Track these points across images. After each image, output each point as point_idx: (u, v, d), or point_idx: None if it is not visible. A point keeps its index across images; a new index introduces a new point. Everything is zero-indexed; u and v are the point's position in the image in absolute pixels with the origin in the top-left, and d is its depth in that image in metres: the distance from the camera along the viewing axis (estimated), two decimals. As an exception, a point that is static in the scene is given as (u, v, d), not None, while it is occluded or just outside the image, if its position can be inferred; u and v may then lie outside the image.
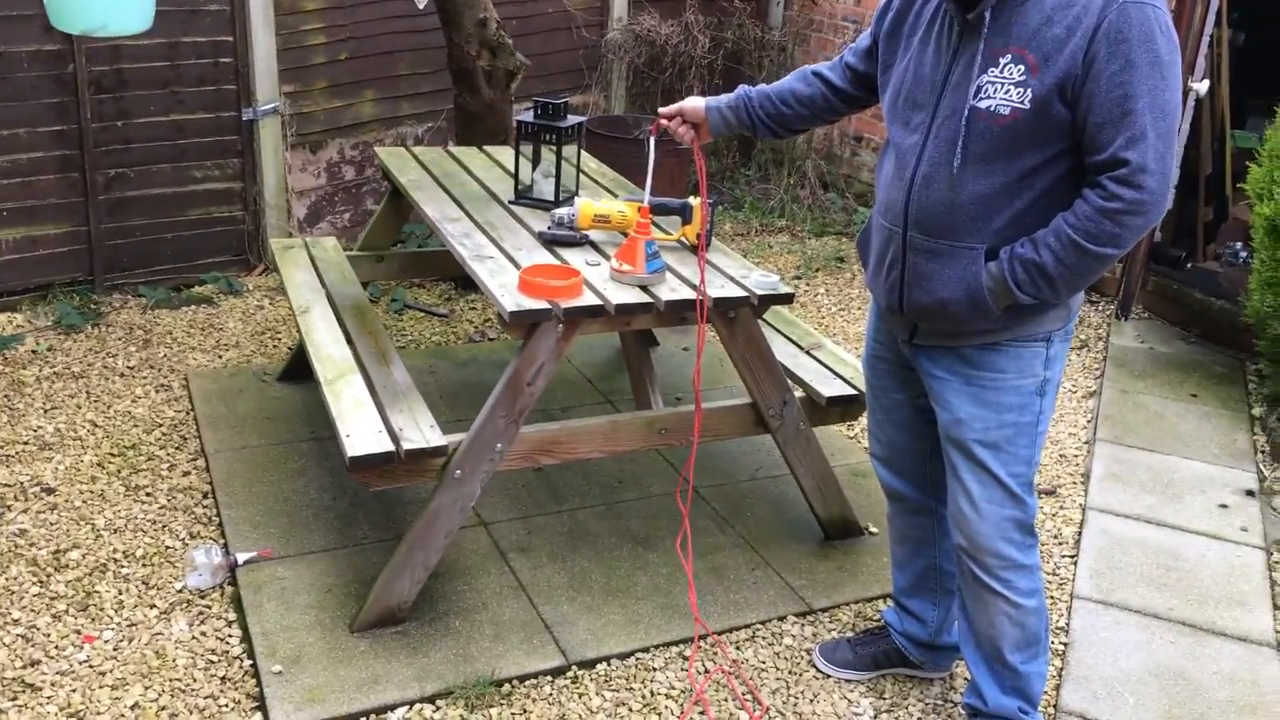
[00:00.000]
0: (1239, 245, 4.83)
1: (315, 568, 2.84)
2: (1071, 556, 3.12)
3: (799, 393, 3.02)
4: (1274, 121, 3.74)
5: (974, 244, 2.00)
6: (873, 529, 3.19)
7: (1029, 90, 1.90)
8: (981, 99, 1.94)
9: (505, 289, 2.59)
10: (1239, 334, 4.29)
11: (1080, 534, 3.23)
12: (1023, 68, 1.90)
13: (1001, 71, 1.92)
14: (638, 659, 2.64)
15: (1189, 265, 4.88)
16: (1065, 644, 2.77)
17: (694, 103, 2.54)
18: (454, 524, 2.64)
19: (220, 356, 4.00)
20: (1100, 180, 1.89)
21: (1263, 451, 3.74)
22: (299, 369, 3.76)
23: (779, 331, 3.39)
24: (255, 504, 3.09)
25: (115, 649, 2.53)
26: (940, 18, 2.05)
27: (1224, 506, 3.40)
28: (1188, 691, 2.63)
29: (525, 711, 2.46)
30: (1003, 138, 1.93)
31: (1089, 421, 3.89)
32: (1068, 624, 2.83)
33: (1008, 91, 1.91)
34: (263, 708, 2.39)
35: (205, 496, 3.13)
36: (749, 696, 2.55)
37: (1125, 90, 1.84)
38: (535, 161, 3.29)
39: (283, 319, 4.34)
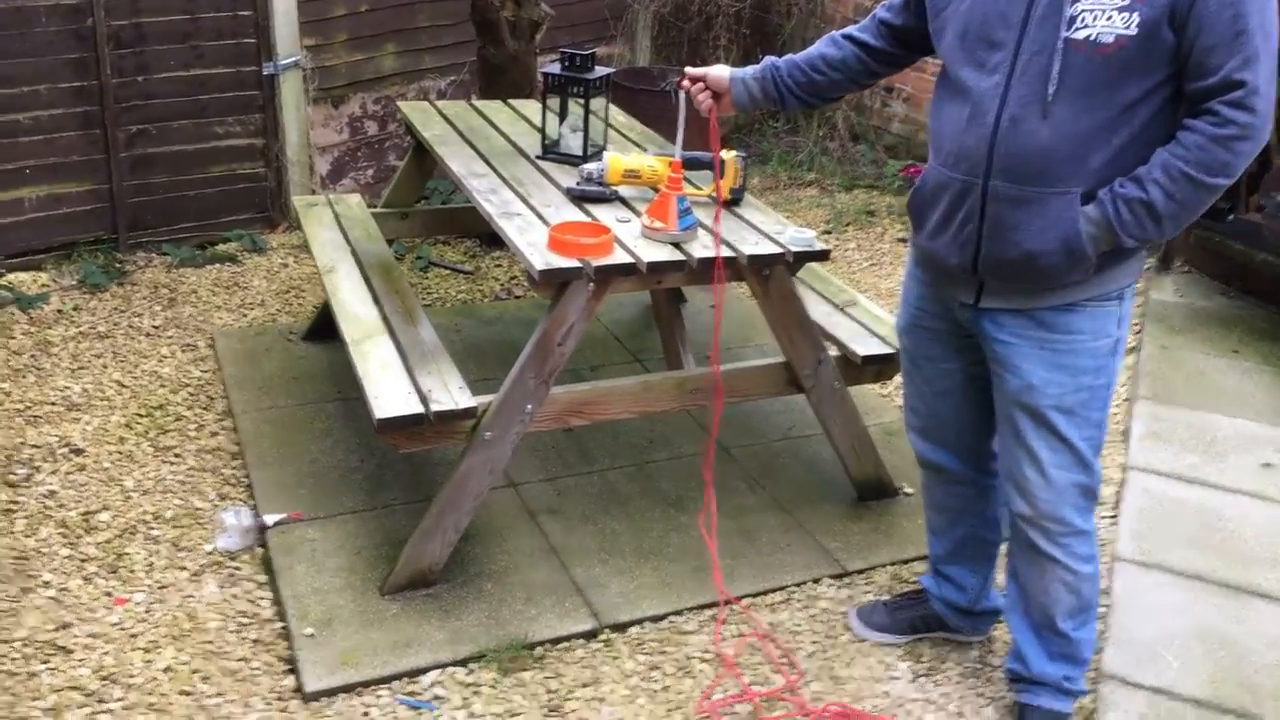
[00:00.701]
0: (1282, 196, 4.70)
1: (345, 530, 2.82)
2: (1112, 517, 3.06)
3: (833, 351, 2.95)
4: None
5: (1070, 188, 1.90)
6: (908, 489, 3.14)
7: (1136, 14, 1.79)
8: (1078, 29, 1.83)
9: (534, 247, 2.53)
10: (1283, 288, 4.18)
11: (1120, 494, 3.16)
12: None
13: None
14: (671, 622, 2.61)
15: (1230, 217, 4.75)
16: (1107, 606, 2.71)
17: (719, 70, 2.44)
18: (484, 486, 2.61)
19: (245, 315, 3.97)
20: (1212, 106, 1.80)
21: (1308, 409, 3.65)
22: (324, 328, 3.72)
23: (812, 288, 3.32)
24: (283, 465, 3.07)
25: (146, 611, 2.52)
26: None
27: (1267, 465, 3.33)
28: (1233, 655, 2.57)
29: (558, 675, 2.44)
30: (1105, 69, 1.83)
31: (1128, 378, 3.81)
32: (1109, 586, 2.78)
33: (1110, 18, 1.81)
34: (295, 670, 2.38)
35: (234, 458, 3.11)
36: (785, 660, 2.52)
37: (1237, 10, 1.75)
38: (562, 115, 3.21)
39: (307, 277, 4.30)
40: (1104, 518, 3.07)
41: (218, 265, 4.35)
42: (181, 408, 3.35)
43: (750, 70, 2.42)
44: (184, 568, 2.67)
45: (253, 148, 4.61)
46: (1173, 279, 4.61)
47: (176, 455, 3.11)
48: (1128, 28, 1.80)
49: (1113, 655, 2.55)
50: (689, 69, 2.48)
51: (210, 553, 2.73)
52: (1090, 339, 2.03)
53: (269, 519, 2.81)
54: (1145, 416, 3.57)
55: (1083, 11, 1.83)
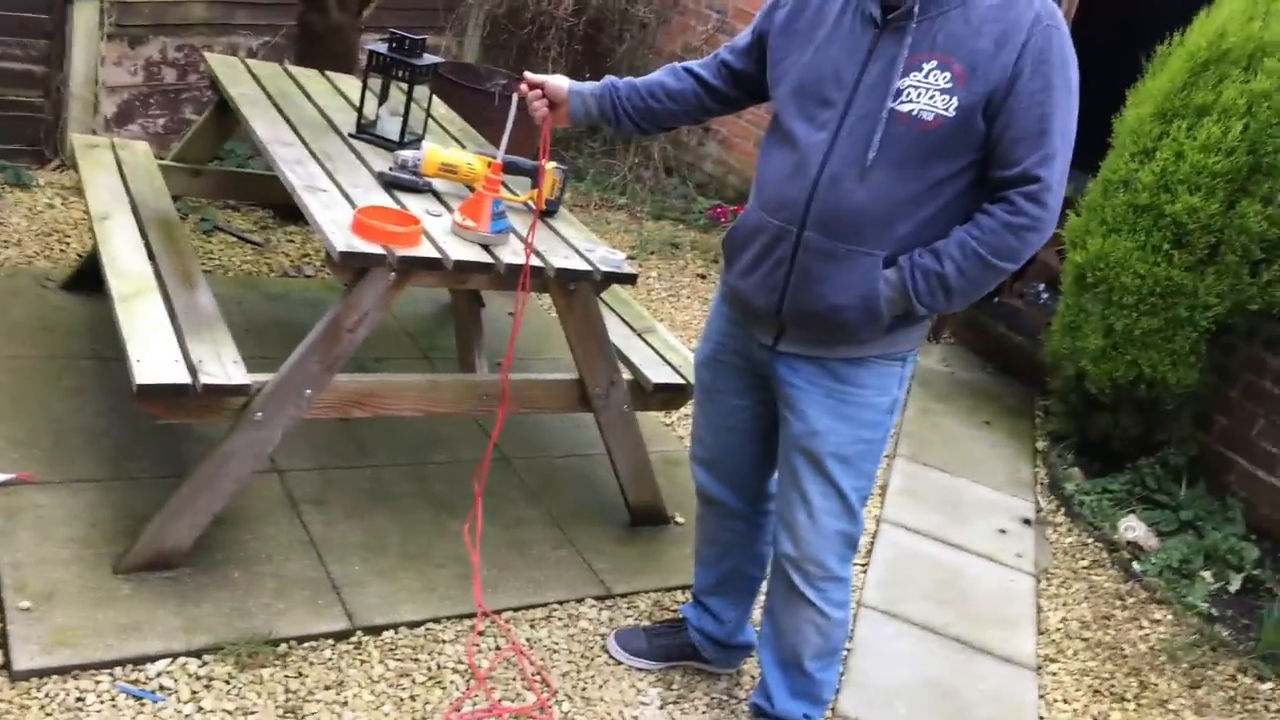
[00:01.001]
0: (1041, 287, 5.12)
1: (81, 499, 2.59)
2: (863, 566, 3.22)
3: (626, 375, 2.97)
4: (1095, 176, 3.96)
5: (875, 250, 1.98)
6: (679, 519, 3.19)
7: (955, 99, 1.89)
8: (903, 102, 1.92)
9: (337, 226, 2.42)
10: (1033, 370, 4.54)
11: (873, 544, 3.33)
12: (949, 75, 1.89)
13: (925, 77, 1.91)
14: (428, 629, 2.54)
15: (995, 299, 5.13)
16: (849, 650, 2.84)
17: (558, 81, 2.41)
18: (246, 470, 2.46)
19: (-3, 254, 3.61)
20: (1008, 195, 1.91)
21: (1042, 484, 3.97)
22: (88, 278, 3.42)
23: (613, 310, 3.33)
24: (20, 420, 2.79)
25: None
26: (852, 15, 2.00)
27: (1003, 531, 3.59)
28: (955, 706, 2.74)
29: (300, 674, 2.31)
30: (921, 144, 1.92)
31: (891, 436, 4.03)
32: (853, 631, 2.91)
33: (933, 98, 1.90)
34: (4, 645, 2.16)
35: (-39, 406, 2.81)
36: (538, 678, 2.49)
37: (1044, 110, 1.87)
38: (383, 97, 3.10)
39: (74, 222, 3.96)
40: (856, 564, 3.22)
41: (-29, 194, 3.94)
42: (-94, 344, 3.00)
43: (590, 86, 2.41)
44: (-116, 522, 2.38)
45: (31, 74, 4.22)
46: (941, 349, 4.93)
47: (-108, 396, 2.78)
48: (947, 109, 1.90)
49: (849, 698, 2.67)
50: (529, 74, 2.44)
51: (-81, 508, 2.44)
52: (874, 394, 2.12)
53: (-5, 478, 2.54)
54: (902, 474, 3.78)
55: (909, 87, 1.92)
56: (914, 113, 1.91)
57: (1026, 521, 3.69)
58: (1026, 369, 4.68)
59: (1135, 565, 3.47)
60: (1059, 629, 3.16)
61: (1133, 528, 3.57)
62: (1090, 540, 3.62)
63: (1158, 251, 3.55)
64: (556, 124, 2.46)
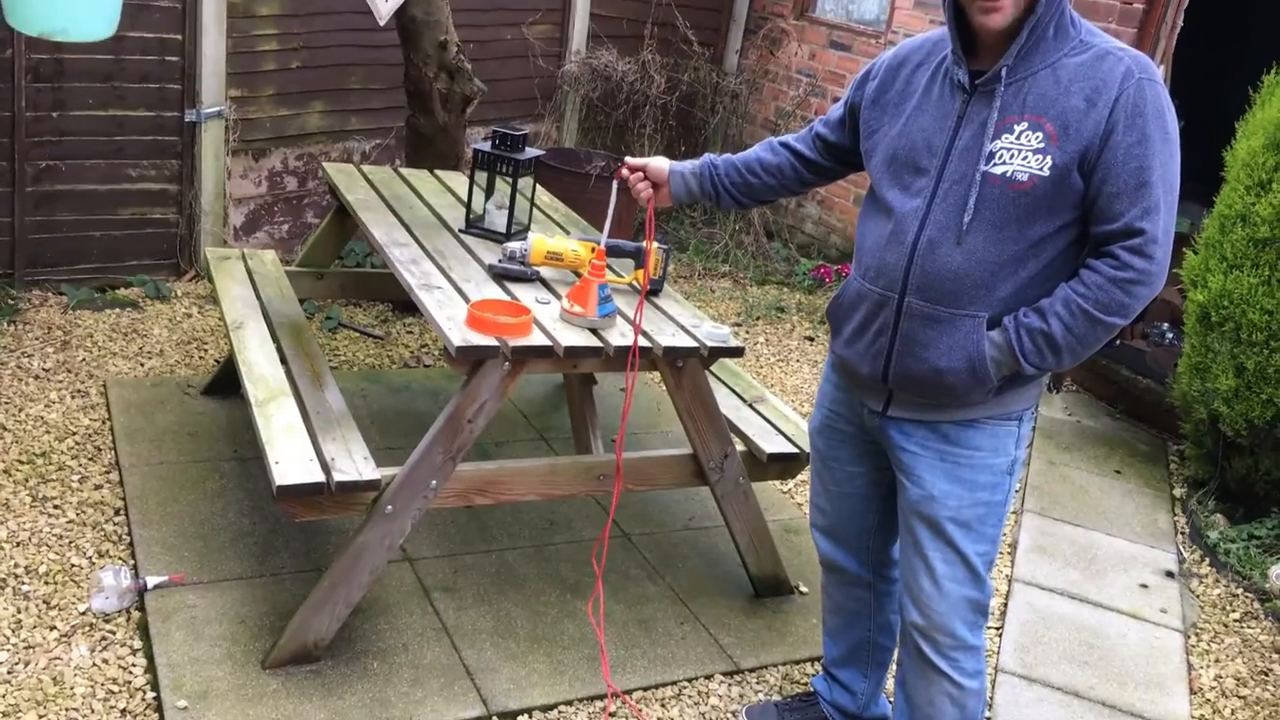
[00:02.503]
0: (1165, 326, 4.96)
1: (229, 596, 2.72)
2: (997, 628, 3.13)
3: (739, 446, 2.99)
4: (1209, 211, 3.85)
5: (977, 311, 1.98)
6: (803, 588, 3.16)
7: (1049, 158, 1.89)
8: (996, 165, 1.93)
9: (453, 322, 2.52)
10: (1163, 414, 4.39)
11: (1006, 606, 3.25)
12: (1041, 135, 1.90)
13: (1018, 139, 1.92)
14: (560, 712, 2.57)
15: (1118, 342, 4.99)
16: (988, 718, 2.76)
17: (659, 163, 2.49)
18: (380, 561, 2.55)
19: (142, 364, 3.85)
20: (1112, 250, 1.90)
21: (1183, 533, 3.81)
22: (225, 383, 3.63)
23: (722, 382, 3.36)
24: (169, 524, 2.95)
25: (9, 672, 2.38)
26: (940, 83, 2.03)
27: (1144, 586, 3.45)
28: (1106, 773, 2.64)
29: (441, 762, 2.37)
30: (1018, 204, 1.92)
31: (1017, 491, 3.93)
32: (991, 698, 2.83)
33: (1026, 158, 1.91)
34: (163, 745, 2.27)
35: (117, 513, 2.99)
36: (672, 757, 2.49)
37: (1141, 162, 1.86)
38: (489, 191, 3.23)
39: (210, 329, 4.20)
40: (990, 628, 3.14)
41: (117, 310, 4.21)
42: (66, 457, 3.21)
43: (689, 165, 2.47)
44: (54, 627, 2.54)
45: (166, 193, 4.52)
46: (1062, 398, 4.80)
47: (56, 507, 2.97)
48: (1041, 169, 1.90)
49: (993, 767, 2.59)
50: (629, 159, 2.53)
51: (84, 613, 2.60)
52: (990, 456, 2.10)
53: (149, 580, 2.69)
54: (1032, 530, 3.68)
55: (1001, 149, 1.93)
56: (1008, 174, 1.92)
57: (1169, 574, 3.54)
58: (1155, 413, 4.52)
59: (1291, 615, 3.30)
60: (1213, 688, 3.01)
61: (1284, 575, 3.40)
62: (1240, 591, 3.46)
63: (1284, 285, 3.42)
64: (659, 204, 2.53)
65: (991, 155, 1.93)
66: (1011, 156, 1.91)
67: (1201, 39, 5.61)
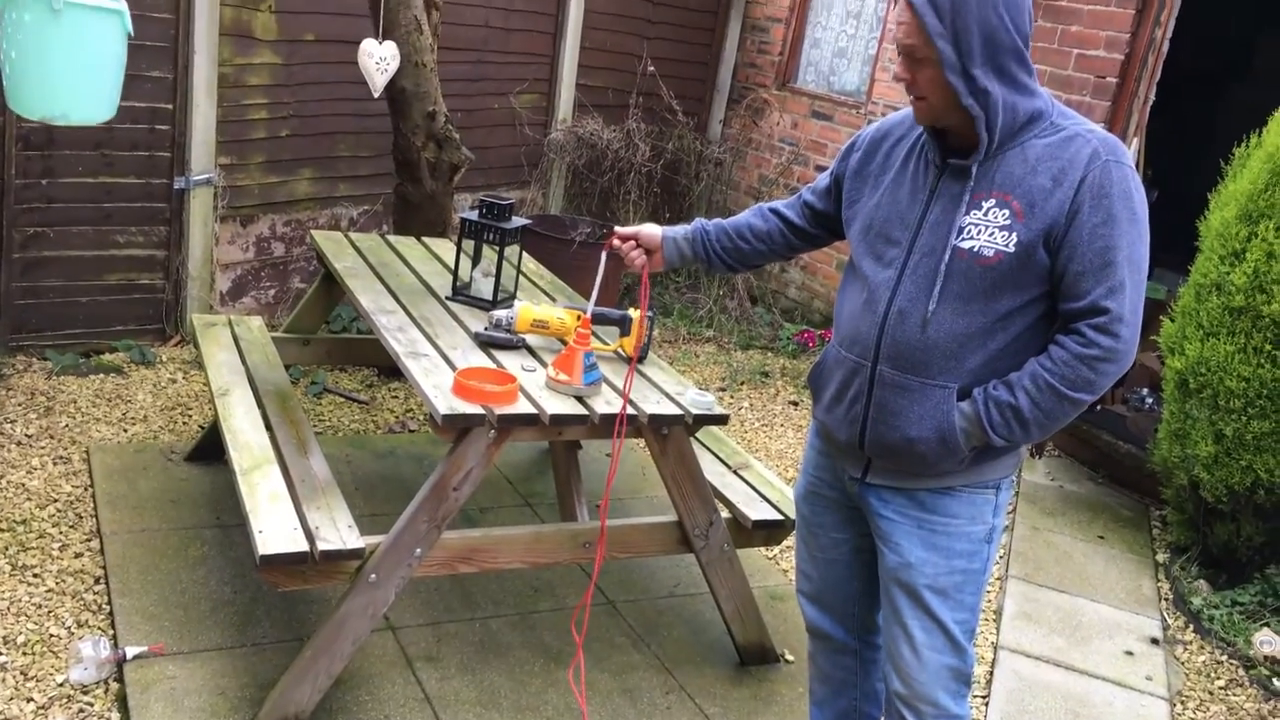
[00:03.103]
0: (1145, 391, 5.01)
1: (209, 667, 2.69)
2: (983, 697, 3.12)
3: (724, 513, 2.99)
4: (1185, 278, 3.92)
5: (947, 382, 2.01)
6: (789, 656, 3.15)
7: (1014, 234, 1.94)
8: (964, 239, 1.97)
9: (439, 390, 2.54)
10: (1144, 479, 4.42)
11: (992, 674, 3.23)
12: (1008, 213, 1.94)
13: (985, 215, 1.96)
14: (544, 784, 2.54)
15: (1098, 407, 5.04)
16: (976, 788, 2.74)
17: (651, 229, 2.53)
18: (363, 631, 2.53)
19: (126, 430, 3.83)
20: (1078, 327, 1.93)
21: (1166, 599, 3.82)
22: (209, 449, 3.62)
23: (706, 448, 3.38)
24: (150, 593, 2.93)
25: (-19, 747, 2.35)
26: (916, 159, 2.09)
27: (1130, 653, 3.45)
28: (1095, 845, 2.61)
29: (423, 837, 2.33)
30: (984, 279, 1.96)
31: (1001, 557, 3.94)
32: (979, 767, 2.81)
33: (992, 234, 1.95)
34: (139, 821, 2.23)
35: (97, 581, 2.96)
36: (657, 831, 2.46)
37: (1106, 242, 1.90)
38: (475, 259, 3.27)
39: (195, 395, 4.20)
40: (976, 697, 3.13)
41: (101, 375, 4.21)
42: (47, 524, 3.18)
43: (681, 230, 2.52)
44: (31, 699, 2.50)
45: (153, 259, 4.54)
46: (1045, 462, 4.83)
47: (35, 575, 2.94)
48: (1007, 245, 1.94)
49: (981, 839, 2.56)
50: (619, 228, 2.57)
51: (61, 684, 2.56)
52: (966, 524, 2.12)
53: (128, 651, 2.66)
54: (1016, 596, 3.68)
55: (969, 225, 1.97)
56: (975, 249, 1.96)
57: (1154, 641, 3.54)
58: (1137, 478, 4.55)
59: (1275, 682, 3.29)
60: (1199, 756, 3.00)
61: (1269, 641, 3.40)
62: (1224, 658, 3.46)
63: (1260, 353, 3.47)
64: (653, 269, 2.56)
65: (961, 230, 1.98)
66: (979, 232, 1.96)
67: (1176, 109, 5.75)
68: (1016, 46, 1.90)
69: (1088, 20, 4.78)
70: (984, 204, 1.96)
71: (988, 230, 1.95)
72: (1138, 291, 1.93)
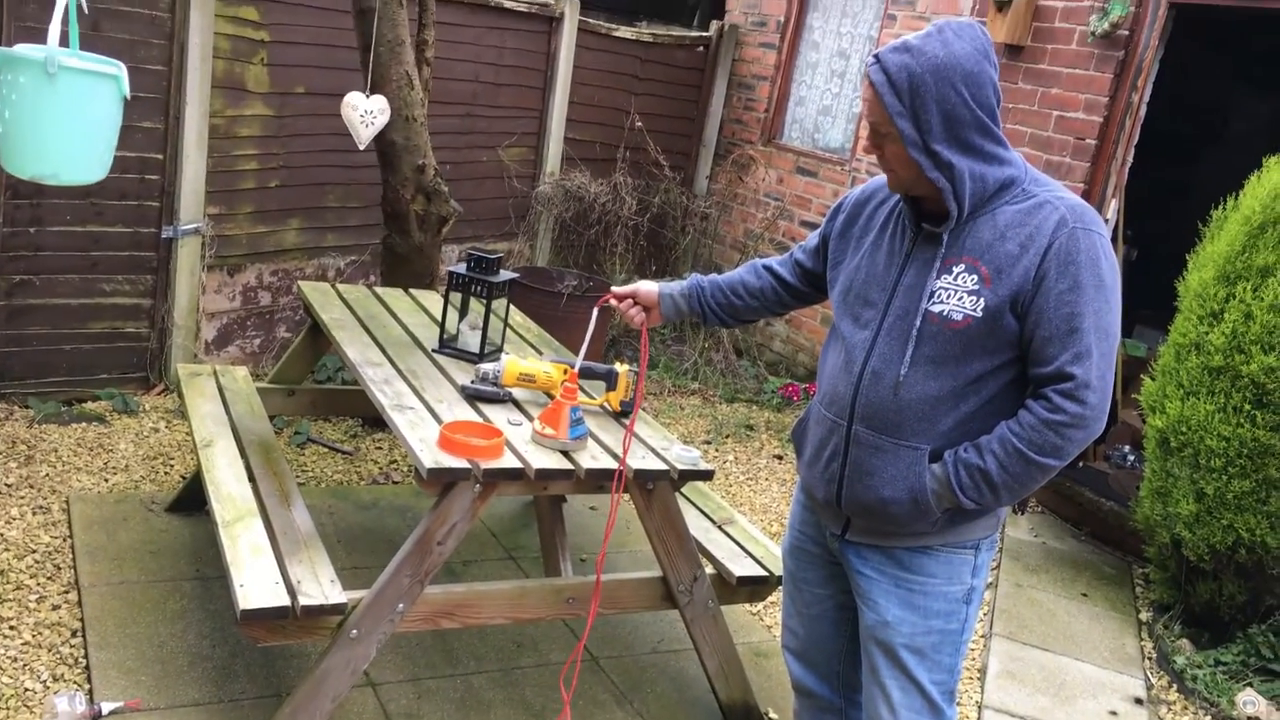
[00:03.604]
0: (1127, 449, 5.04)
1: (186, 723, 2.65)
2: (968, 756, 3.10)
3: (709, 569, 2.98)
4: (1165, 337, 3.97)
5: (919, 444, 2.03)
6: (773, 715, 3.12)
7: (982, 299, 1.96)
8: (935, 303, 2.00)
9: (424, 443, 2.53)
10: (1127, 536, 4.43)
11: (977, 733, 3.22)
12: (976, 278, 1.97)
13: (955, 279, 1.99)
14: (525, 846, 2.50)
15: (1080, 464, 5.06)
16: None
17: (648, 286, 2.57)
18: (343, 687, 2.51)
19: (107, 480, 3.80)
20: (1045, 392, 1.95)
21: (1150, 658, 3.81)
22: (190, 500, 3.60)
23: (691, 502, 3.38)
24: (127, 647, 2.89)
25: (-50, 805, 2.30)
26: (894, 223, 2.13)
27: (1114, 714, 3.44)
28: None
29: None
30: (954, 342, 1.99)
31: (985, 614, 3.93)
32: (964, 830, 2.79)
33: (961, 299, 1.98)
34: None
35: (74, 634, 2.92)
36: None
37: (1073, 309, 1.92)
38: (463, 312, 3.28)
39: (177, 444, 4.17)
40: (961, 756, 3.11)
41: (83, 424, 4.18)
42: (24, 575, 3.15)
43: (678, 286, 2.55)
44: (1, 756, 2.46)
45: (139, 308, 4.54)
46: (1028, 519, 4.84)
47: (11, 628, 2.90)
48: (975, 309, 1.97)
49: None
50: (615, 288, 2.60)
51: (33, 741, 2.52)
52: (944, 583, 2.12)
53: (104, 706, 2.62)
54: (1001, 655, 3.67)
55: (940, 289, 2.01)
56: (944, 313, 1.99)
57: (1138, 700, 3.53)
58: (1120, 535, 4.56)
59: (1260, 743, 3.29)
60: (1185, 818, 2.98)
61: (1252, 702, 3.40)
62: (1208, 718, 3.45)
63: (1239, 413, 3.51)
64: (651, 324, 2.60)
65: (932, 294, 2.01)
66: (949, 296, 1.99)
67: (1155, 171, 5.85)
68: (979, 120, 1.94)
69: (1067, 83, 4.88)
70: (954, 269, 1.99)
71: (957, 294, 1.98)
72: (1106, 358, 1.95)
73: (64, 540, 3.36)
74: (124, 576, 3.20)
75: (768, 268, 2.49)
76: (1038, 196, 1.99)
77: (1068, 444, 1.94)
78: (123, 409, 4.36)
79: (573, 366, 2.73)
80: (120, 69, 2.55)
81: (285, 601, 2.39)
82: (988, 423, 2.02)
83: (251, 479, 2.94)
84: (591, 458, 2.64)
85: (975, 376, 2.00)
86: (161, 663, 2.85)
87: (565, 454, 2.63)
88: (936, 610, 2.11)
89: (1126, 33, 4.64)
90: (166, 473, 3.94)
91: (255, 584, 2.42)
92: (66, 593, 3.10)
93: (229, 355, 4.93)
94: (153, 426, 4.29)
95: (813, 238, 2.41)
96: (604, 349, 5.85)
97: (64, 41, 2.47)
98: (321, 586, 2.47)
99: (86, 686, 2.72)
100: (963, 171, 1.95)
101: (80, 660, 2.82)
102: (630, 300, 2.56)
